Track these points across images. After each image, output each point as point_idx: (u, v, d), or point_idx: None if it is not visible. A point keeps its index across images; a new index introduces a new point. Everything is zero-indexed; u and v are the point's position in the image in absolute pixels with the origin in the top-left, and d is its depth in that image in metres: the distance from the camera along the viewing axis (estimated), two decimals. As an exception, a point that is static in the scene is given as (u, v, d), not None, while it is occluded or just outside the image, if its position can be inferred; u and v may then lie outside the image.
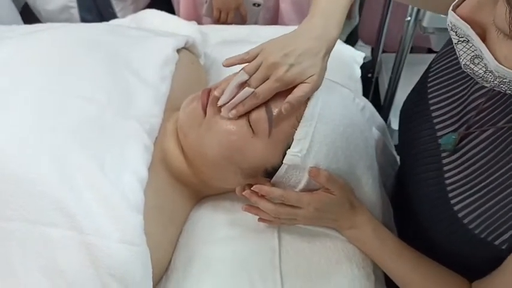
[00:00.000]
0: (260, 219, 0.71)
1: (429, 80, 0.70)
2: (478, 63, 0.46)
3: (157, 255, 0.64)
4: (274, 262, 0.68)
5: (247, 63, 0.64)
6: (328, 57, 0.64)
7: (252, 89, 0.63)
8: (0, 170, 0.56)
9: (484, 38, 0.44)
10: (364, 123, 0.74)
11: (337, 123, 0.66)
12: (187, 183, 0.74)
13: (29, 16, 1.50)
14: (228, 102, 0.65)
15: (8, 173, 0.56)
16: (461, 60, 0.48)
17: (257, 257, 0.69)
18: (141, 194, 0.60)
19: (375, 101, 1.65)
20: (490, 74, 0.45)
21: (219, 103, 0.66)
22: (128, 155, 0.63)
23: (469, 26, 0.44)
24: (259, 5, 1.32)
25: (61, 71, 0.68)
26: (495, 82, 0.46)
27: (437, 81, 0.69)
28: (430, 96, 0.68)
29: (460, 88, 0.65)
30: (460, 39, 0.46)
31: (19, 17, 1.44)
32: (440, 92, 0.67)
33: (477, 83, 0.62)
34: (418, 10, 1.22)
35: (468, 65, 0.48)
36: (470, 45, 0.46)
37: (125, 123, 0.66)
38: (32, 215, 0.56)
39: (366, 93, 1.12)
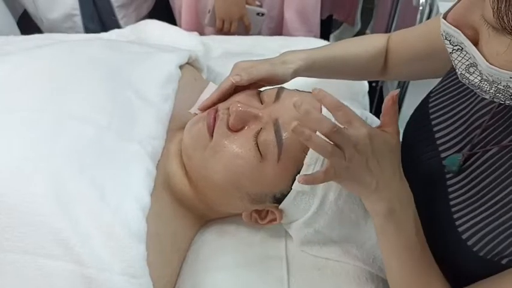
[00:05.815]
0: (302, 179, 0.55)
1: (431, 100, 0.68)
2: (473, 72, 0.45)
3: (160, 286, 0.61)
4: (282, 292, 0.65)
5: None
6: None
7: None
8: None
9: (477, 42, 0.43)
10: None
11: None
12: (191, 207, 0.70)
13: (27, 25, 1.47)
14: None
15: (2, 200, 0.54)
16: (457, 70, 0.47)
17: (264, 286, 0.66)
18: (143, 222, 0.58)
19: (379, 110, 1.62)
20: (486, 82, 0.44)
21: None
22: (129, 181, 0.60)
23: (459, 31, 0.43)
24: (263, 14, 1.30)
25: (59, 90, 0.65)
26: (491, 91, 0.45)
27: (439, 101, 0.66)
28: (432, 116, 0.66)
29: (462, 106, 0.63)
30: (454, 47, 0.45)
31: (15, 26, 1.40)
32: (443, 111, 0.65)
33: (480, 101, 0.60)
34: (427, 19, 1.19)
35: (464, 75, 0.46)
36: (465, 53, 0.45)
37: (126, 146, 0.63)
38: (29, 246, 0.54)
39: (369, 103, 1.10)
